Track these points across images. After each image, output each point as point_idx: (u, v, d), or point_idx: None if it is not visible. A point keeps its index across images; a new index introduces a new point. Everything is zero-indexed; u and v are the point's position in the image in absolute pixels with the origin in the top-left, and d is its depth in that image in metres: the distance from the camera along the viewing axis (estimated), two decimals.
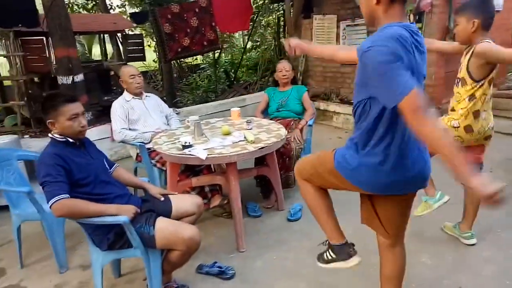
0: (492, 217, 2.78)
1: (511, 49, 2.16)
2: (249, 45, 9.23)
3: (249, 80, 8.23)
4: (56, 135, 1.98)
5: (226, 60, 9.58)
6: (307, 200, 1.80)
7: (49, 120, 1.94)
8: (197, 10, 5.57)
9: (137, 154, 3.32)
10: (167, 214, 2.16)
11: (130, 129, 3.27)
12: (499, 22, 5.32)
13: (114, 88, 8.79)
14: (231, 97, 7.17)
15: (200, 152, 2.43)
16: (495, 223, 2.78)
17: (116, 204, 1.98)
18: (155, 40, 6.30)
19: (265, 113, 3.76)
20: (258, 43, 8.20)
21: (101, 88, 7.64)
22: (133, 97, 3.37)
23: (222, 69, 8.74)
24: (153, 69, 11.08)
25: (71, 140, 2.00)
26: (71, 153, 1.97)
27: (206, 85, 8.30)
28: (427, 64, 1.47)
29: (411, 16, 4.93)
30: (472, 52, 2.23)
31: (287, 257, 2.56)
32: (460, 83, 2.36)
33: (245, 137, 2.68)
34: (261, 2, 7.34)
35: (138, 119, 3.32)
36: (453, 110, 2.43)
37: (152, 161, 3.16)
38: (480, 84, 2.27)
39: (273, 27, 7.63)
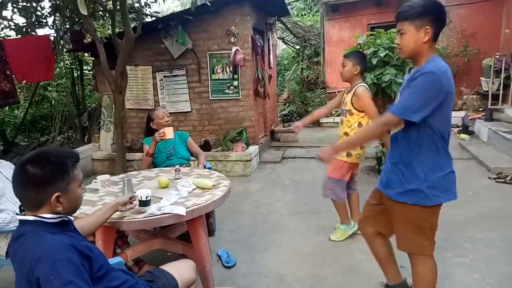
0: None
1: (374, 110, 2.93)
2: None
3: (30, 140, 6.76)
4: (47, 216, 1.27)
5: None
6: (376, 253, 2.19)
7: (56, 194, 1.23)
8: None
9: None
10: None
11: None
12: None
13: None
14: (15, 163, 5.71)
15: (175, 208, 2.04)
16: None
17: None
18: None
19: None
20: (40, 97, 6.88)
21: None
22: None
23: None
24: None
25: (69, 218, 1.33)
26: (75, 238, 1.31)
27: None
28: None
29: (227, 68, 5.67)
30: (354, 92, 2.99)
31: None
32: (347, 114, 3.09)
33: (196, 186, 2.43)
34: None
35: (1, 196, 2.35)
36: (346, 134, 3.11)
37: None
38: (363, 114, 3.06)
39: (64, 79, 6.64)
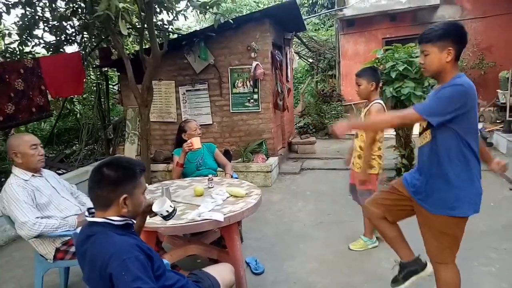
0: None
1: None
2: None
3: (56, 153, 7.01)
4: (114, 218, 1.40)
5: None
6: (385, 233, 2.19)
7: (124, 196, 1.38)
8: (22, 71, 4.53)
9: (58, 249, 2.44)
10: None
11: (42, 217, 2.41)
12: None
13: None
14: None
15: (213, 214, 2.17)
16: None
17: None
18: None
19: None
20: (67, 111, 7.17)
21: None
22: (32, 175, 2.53)
23: None
24: None
25: (132, 221, 1.47)
26: (137, 240, 1.45)
27: None
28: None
29: (248, 82, 5.85)
30: (369, 109, 3.08)
31: None
32: None
33: (229, 194, 2.56)
34: None
35: (49, 203, 2.51)
36: (361, 148, 3.17)
37: None
38: None
39: (89, 93, 6.93)
